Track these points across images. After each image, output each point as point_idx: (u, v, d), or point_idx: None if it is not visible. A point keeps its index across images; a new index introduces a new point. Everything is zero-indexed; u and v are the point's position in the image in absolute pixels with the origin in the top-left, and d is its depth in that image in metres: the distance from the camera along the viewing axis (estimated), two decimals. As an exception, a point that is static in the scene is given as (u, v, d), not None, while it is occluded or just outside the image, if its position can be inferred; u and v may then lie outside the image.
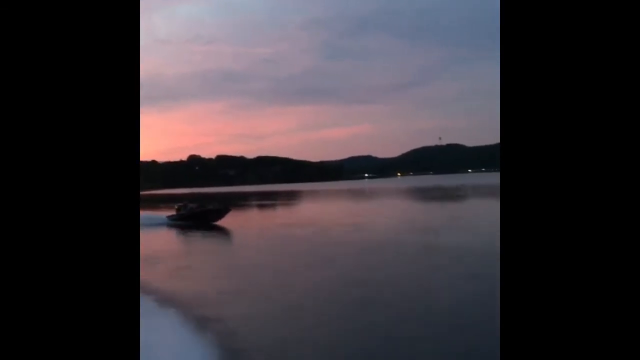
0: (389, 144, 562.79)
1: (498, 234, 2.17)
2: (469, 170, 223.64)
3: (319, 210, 39.24)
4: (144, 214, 25.74)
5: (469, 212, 31.51)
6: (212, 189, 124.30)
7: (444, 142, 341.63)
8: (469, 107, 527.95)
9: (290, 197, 61.94)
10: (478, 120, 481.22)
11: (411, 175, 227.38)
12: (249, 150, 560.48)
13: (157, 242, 20.40)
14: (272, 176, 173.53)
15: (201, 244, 21.00)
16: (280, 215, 37.23)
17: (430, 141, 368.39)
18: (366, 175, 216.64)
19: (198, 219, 26.57)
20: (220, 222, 26.44)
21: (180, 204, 29.01)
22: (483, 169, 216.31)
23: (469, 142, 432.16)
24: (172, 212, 28.76)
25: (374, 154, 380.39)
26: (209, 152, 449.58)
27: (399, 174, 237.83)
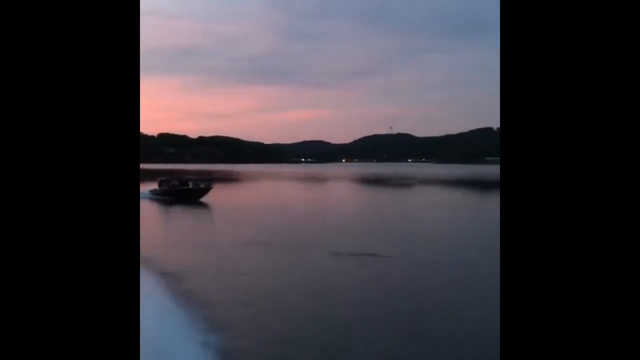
0: (343, 130, 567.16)
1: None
2: (409, 160, 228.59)
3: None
4: None
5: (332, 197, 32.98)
6: (146, 165, 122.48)
7: (394, 131, 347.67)
8: (422, 97, 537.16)
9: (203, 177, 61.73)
10: (429, 111, 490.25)
11: (355, 162, 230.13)
12: (203, 129, 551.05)
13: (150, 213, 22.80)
14: (208, 156, 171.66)
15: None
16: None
17: (383, 129, 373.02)
18: (302, 160, 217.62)
19: (182, 195, 28.25)
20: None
21: (162, 178, 30.62)
22: (423, 159, 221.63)
23: (418, 132, 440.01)
24: (153, 187, 30.19)
25: (327, 139, 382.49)
26: (155, 129, 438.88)
27: (344, 160, 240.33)
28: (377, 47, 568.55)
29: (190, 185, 29.58)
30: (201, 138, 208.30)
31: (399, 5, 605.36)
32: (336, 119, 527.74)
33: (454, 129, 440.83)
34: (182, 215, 23.16)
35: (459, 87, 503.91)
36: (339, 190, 46.82)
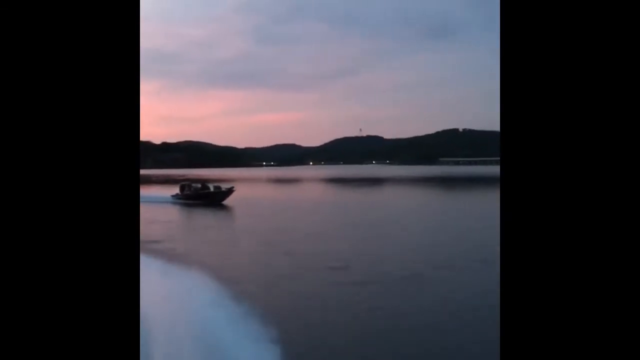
0: (314, 133, 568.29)
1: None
2: (373, 162, 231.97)
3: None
4: (148, 192, 30.50)
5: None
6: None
7: (364, 133, 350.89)
8: (392, 99, 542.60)
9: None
10: (399, 113, 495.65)
11: (322, 164, 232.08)
12: (170, 134, 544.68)
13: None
14: (171, 162, 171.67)
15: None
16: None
17: (353, 132, 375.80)
18: (264, 163, 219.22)
19: (205, 198, 28.79)
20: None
21: (183, 183, 31.27)
22: (387, 161, 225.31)
23: (388, 134, 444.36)
24: (174, 192, 30.74)
25: (298, 142, 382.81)
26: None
27: (311, 163, 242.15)
28: (347, 50, 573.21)
29: (212, 189, 29.91)
30: (164, 144, 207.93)
31: (369, 8, 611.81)
32: (307, 122, 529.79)
33: (422, 131, 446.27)
34: (209, 219, 23.22)
35: (429, 88, 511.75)
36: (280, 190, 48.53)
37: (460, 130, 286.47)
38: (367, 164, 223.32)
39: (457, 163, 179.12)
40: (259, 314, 7.00)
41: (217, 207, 27.18)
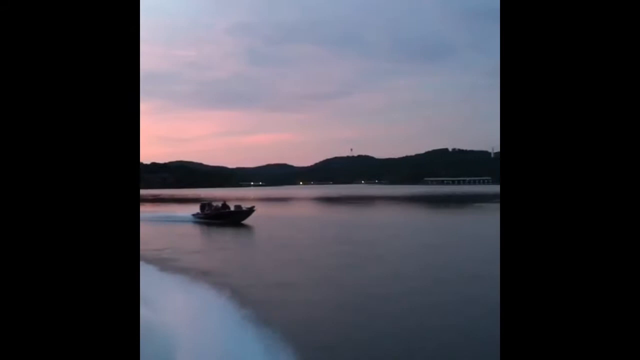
0: (306, 153, 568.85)
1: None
2: (362, 182, 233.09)
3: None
4: (167, 212, 33.58)
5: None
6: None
7: (355, 153, 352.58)
8: (384, 120, 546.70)
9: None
10: (390, 133, 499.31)
11: (312, 184, 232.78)
12: (162, 154, 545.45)
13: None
14: (160, 182, 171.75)
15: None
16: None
17: (345, 152, 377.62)
18: (252, 183, 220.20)
19: (226, 217, 29.16)
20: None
21: (203, 202, 32.00)
22: (376, 181, 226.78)
23: (378, 154, 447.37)
24: (194, 211, 31.18)
25: (290, 162, 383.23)
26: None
27: (301, 182, 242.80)
28: (340, 71, 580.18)
29: (232, 208, 30.26)
30: (154, 164, 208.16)
31: (363, 30, 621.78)
32: (300, 142, 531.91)
33: (412, 151, 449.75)
34: (233, 237, 23.43)
35: (420, 109, 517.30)
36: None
37: (450, 150, 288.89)
38: (356, 183, 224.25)
39: (442, 182, 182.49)
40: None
41: (238, 226, 27.48)
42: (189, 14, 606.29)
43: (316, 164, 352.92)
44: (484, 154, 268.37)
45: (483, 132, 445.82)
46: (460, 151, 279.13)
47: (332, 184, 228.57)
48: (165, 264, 13.20)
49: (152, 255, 15.15)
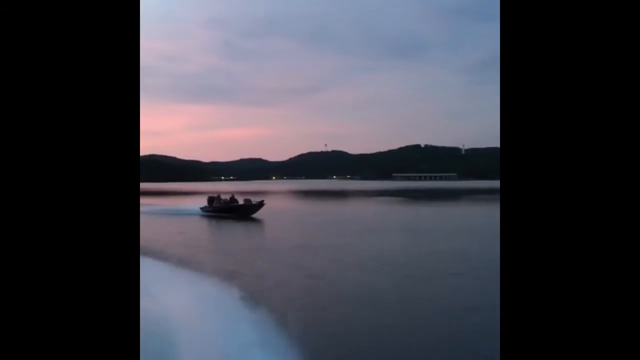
0: (281, 148, 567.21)
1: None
2: (334, 177, 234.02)
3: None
4: (173, 206, 33.23)
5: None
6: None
7: (329, 148, 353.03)
8: (359, 115, 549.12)
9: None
10: (365, 129, 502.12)
11: (285, 179, 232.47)
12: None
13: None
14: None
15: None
16: None
17: (319, 147, 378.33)
18: (222, 177, 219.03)
19: (235, 211, 28.64)
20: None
21: (211, 195, 31.24)
22: (348, 176, 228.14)
23: (353, 149, 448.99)
24: (201, 204, 30.71)
25: (264, 157, 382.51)
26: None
27: (274, 177, 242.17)
28: (315, 66, 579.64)
29: (242, 202, 29.66)
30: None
31: (338, 26, 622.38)
32: (275, 137, 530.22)
33: (385, 146, 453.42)
34: (243, 230, 22.93)
35: (394, 105, 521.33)
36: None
37: (422, 146, 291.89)
38: (328, 178, 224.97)
39: (409, 178, 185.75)
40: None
41: (248, 220, 27.00)
42: (165, 7, 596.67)
43: (291, 159, 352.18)
44: (455, 150, 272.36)
45: (455, 129, 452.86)
46: (433, 147, 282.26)
47: (305, 178, 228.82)
48: (179, 260, 12.58)
49: (163, 248, 14.38)
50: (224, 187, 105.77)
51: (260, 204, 29.03)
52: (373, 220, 26.63)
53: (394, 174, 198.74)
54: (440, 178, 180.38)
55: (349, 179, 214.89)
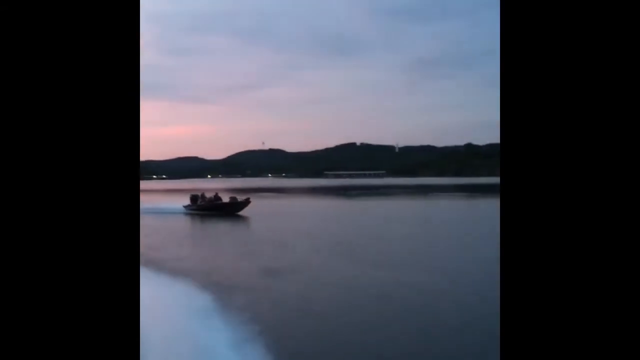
0: (219, 146, 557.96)
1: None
2: (269, 175, 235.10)
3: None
4: (156, 204, 30.81)
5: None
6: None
7: (266, 146, 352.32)
8: (297, 113, 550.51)
9: None
10: (302, 127, 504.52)
11: (220, 177, 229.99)
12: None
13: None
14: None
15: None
16: None
17: (257, 145, 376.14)
18: (154, 176, 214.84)
19: (220, 209, 28.22)
20: None
21: (193, 194, 30.50)
22: (283, 175, 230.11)
23: (290, 147, 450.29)
24: (183, 202, 30.11)
25: (201, 155, 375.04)
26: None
27: (209, 176, 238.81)
28: (254, 63, 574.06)
29: (227, 200, 28.96)
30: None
31: (278, 23, 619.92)
32: (212, 135, 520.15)
33: (322, 144, 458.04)
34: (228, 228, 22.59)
35: (332, 103, 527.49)
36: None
37: (358, 144, 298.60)
38: (263, 176, 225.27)
39: (339, 176, 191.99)
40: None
41: (233, 217, 26.61)
42: None
43: (228, 157, 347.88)
44: (389, 149, 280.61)
45: (390, 128, 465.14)
46: (368, 146, 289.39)
47: (241, 177, 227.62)
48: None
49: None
50: (152, 186, 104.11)
51: (246, 202, 28.87)
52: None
53: (325, 172, 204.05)
54: (369, 175, 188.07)
55: (284, 177, 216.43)
